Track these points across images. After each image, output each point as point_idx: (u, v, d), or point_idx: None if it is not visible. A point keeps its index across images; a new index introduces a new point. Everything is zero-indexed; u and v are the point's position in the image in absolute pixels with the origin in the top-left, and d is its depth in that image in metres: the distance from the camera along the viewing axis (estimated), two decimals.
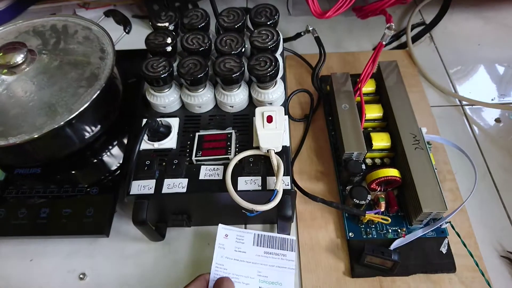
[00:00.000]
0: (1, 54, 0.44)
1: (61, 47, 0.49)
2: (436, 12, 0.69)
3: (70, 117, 0.42)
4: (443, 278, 0.41)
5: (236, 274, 0.38)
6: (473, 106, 0.56)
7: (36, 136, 0.41)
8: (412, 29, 0.66)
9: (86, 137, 0.47)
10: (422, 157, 0.43)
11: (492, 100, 0.56)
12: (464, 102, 0.56)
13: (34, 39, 0.50)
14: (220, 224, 0.41)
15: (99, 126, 0.47)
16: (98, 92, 0.44)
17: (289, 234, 0.43)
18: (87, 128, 0.46)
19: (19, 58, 0.45)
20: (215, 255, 0.39)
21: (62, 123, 0.41)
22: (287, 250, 0.40)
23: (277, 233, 0.43)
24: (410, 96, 0.49)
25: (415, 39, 0.65)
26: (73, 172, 0.48)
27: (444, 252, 0.42)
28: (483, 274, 0.39)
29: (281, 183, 0.36)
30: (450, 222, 0.41)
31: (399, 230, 0.43)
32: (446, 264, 0.41)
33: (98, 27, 0.51)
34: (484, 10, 0.69)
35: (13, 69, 0.45)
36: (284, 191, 0.37)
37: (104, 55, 0.48)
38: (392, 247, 0.40)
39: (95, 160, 0.49)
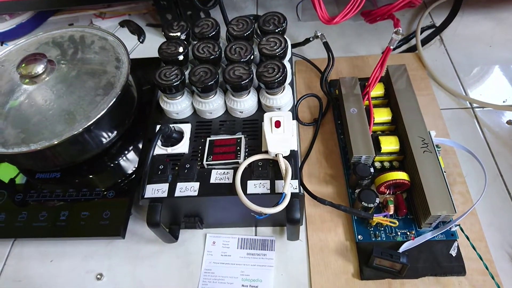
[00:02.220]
0: (23, 65, 0.47)
1: (79, 57, 0.51)
2: (446, 15, 0.69)
3: (88, 124, 0.44)
4: (452, 281, 0.41)
5: (222, 276, 0.43)
6: (484, 109, 0.55)
7: (56, 142, 0.43)
8: (421, 32, 0.66)
9: (103, 142, 0.49)
10: (431, 160, 0.43)
11: (504, 102, 0.56)
12: (474, 105, 0.56)
13: (53, 50, 0.52)
14: (207, 233, 0.46)
15: (115, 132, 0.49)
16: (114, 99, 0.46)
17: (298, 237, 0.44)
18: (104, 134, 0.48)
19: (39, 68, 0.47)
20: (204, 262, 0.44)
21: (80, 130, 0.44)
22: (267, 250, 0.45)
23: (287, 236, 0.44)
24: (420, 99, 0.49)
25: (425, 42, 0.65)
26: (90, 176, 0.50)
27: (453, 255, 0.42)
28: (493, 278, 0.39)
29: (289, 186, 0.37)
30: (459, 225, 0.41)
31: (408, 233, 0.43)
32: (456, 267, 0.41)
33: (114, 37, 0.53)
34: (495, 11, 0.69)
35: (34, 79, 0.47)
36: (292, 194, 0.38)
37: (120, 64, 0.50)
38: (401, 249, 0.41)
39: (112, 165, 0.51)
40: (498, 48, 0.63)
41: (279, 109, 0.44)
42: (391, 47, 0.47)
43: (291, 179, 0.38)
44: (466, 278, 0.41)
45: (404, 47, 0.66)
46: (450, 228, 0.42)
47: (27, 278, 0.46)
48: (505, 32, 0.65)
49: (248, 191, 0.39)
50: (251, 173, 0.40)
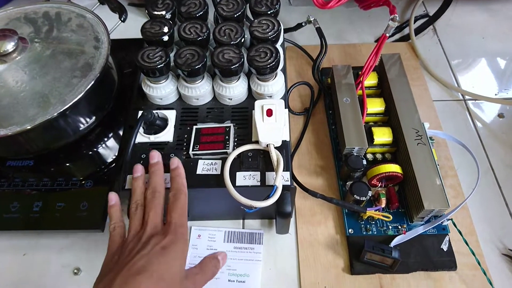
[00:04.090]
0: None
1: (54, 35, 0.47)
2: (439, 4, 0.67)
3: (64, 108, 0.41)
4: (443, 276, 0.40)
5: None
6: (476, 101, 0.55)
7: (28, 127, 0.40)
8: (415, 21, 0.65)
9: (80, 128, 0.45)
10: (425, 152, 0.42)
11: (495, 94, 0.55)
12: (467, 97, 0.55)
13: (25, 27, 0.48)
14: (192, 226, 0.44)
15: (93, 118, 0.46)
16: (92, 82, 0.43)
17: (288, 230, 0.43)
18: (81, 120, 0.45)
19: (9, 46, 0.43)
20: (189, 256, 0.41)
21: (55, 114, 0.40)
22: (255, 243, 0.43)
23: (276, 229, 0.43)
24: (412, 89, 0.48)
25: (418, 31, 0.64)
26: (67, 164, 0.47)
27: (445, 250, 0.41)
28: (484, 272, 0.39)
29: (280, 178, 0.35)
30: (451, 219, 0.41)
31: (400, 227, 0.43)
32: (447, 262, 0.40)
33: (93, 14, 0.49)
34: (489, 2, 0.68)
35: (3, 58, 0.43)
36: (284, 187, 0.36)
37: (99, 44, 0.46)
38: (392, 244, 0.40)
39: (90, 153, 0.48)
40: (491, 40, 0.62)
41: (271, 96, 0.42)
42: (387, 35, 0.45)
43: (283, 171, 0.36)
44: (457, 273, 0.40)
45: (397, 36, 0.64)
46: (442, 222, 0.41)
47: None
48: (498, 24, 0.64)
49: (237, 183, 0.36)
50: (240, 164, 0.38)
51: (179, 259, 0.31)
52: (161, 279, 0.29)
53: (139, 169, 0.37)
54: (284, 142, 0.39)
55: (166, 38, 0.41)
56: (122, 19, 0.51)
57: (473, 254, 0.39)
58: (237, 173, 0.37)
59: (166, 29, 0.41)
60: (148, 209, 0.34)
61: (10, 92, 0.42)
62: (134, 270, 0.29)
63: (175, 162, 0.37)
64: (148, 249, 0.31)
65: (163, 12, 0.43)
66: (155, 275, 0.29)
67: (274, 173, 0.36)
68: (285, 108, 0.40)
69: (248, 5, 0.44)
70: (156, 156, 0.37)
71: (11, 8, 0.50)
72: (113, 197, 0.36)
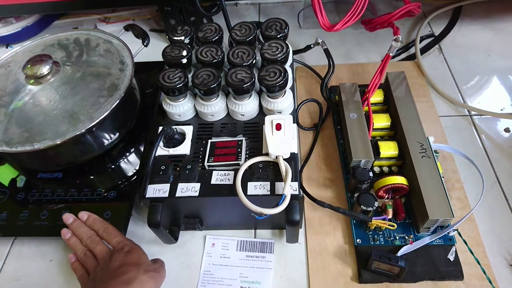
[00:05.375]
0: (29, 66, 0.48)
1: (84, 59, 0.52)
2: (445, 24, 0.70)
3: (91, 125, 0.45)
4: (450, 286, 0.41)
5: (221, 277, 0.44)
6: (482, 116, 0.56)
7: (59, 142, 0.44)
8: (421, 41, 0.67)
9: (105, 144, 0.49)
10: (429, 165, 0.44)
11: (501, 110, 0.57)
12: (473, 112, 0.57)
13: (59, 52, 0.53)
14: (207, 235, 0.46)
15: (117, 134, 0.50)
16: (117, 101, 0.47)
17: (297, 239, 0.45)
18: (106, 135, 0.49)
19: (45, 69, 0.48)
20: (203, 264, 0.44)
21: (83, 130, 0.44)
22: (266, 252, 0.45)
23: (286, 238, 0.44)
24: (419, 106, 0.50)
25: (424, 50, 0.66)
26: (92, 177, 0.51)
27: (451, 260, 0.42)
28: (490, 282, 0.39)
29: (289, 188, 0.38)
30: (457, 230, 0.42)
31: (407, 237, 0.44)
32: (454, 272, 0.41)
33: (118, 40, 0.54)
34: (493, 21, 0.70)
35: (39, 80, 0.48)
36: (292, 196, 0.38)
37: (124, 66, 0.51)
38: (399, 253, 0.41)
39: (113, 166, 0.52)
40: (496, 58, 0.64)
41: (280, 112, 0.45)
42: (391, 54, 0.48)
43: (291, 181, 0.39)
44: (464, 283, 0.41)
45: (403, 55, 0.67)
46: (448, 233, 0.42)
47: (26, 277, 0.46)
48: (503, 42, 0.66)
49: (249, 192, 0.39)
50: (251, 174, 0.40)
51: (143, 254, 0.40)
52: (139, 266, 0.38)
53: (67, 231, 0.44)
54: (292, 154, 0.41)
55: (184, 60, 0.45)
56: (145, 44, 0.56)
57: (479, 263, 0.40)
58: (249, 183, 0.40)
59: (184, 53, 0.45)
60: (93, 249, 0.41)
61: (44, 110, 0.47)
62: (119, 272, 0.37)
63: (83, 215, 0.44)
64: (119, 255, 0.39)
65: (182, 38, 0.47)
66: (134, 264, 0.38)
67: (283, 183, 0.39)
68: (294, 122, 0.43)
69: (259, 30, 0.48)
70: (70, 217, 0.44)
71: (47, 36, 0.56)
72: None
